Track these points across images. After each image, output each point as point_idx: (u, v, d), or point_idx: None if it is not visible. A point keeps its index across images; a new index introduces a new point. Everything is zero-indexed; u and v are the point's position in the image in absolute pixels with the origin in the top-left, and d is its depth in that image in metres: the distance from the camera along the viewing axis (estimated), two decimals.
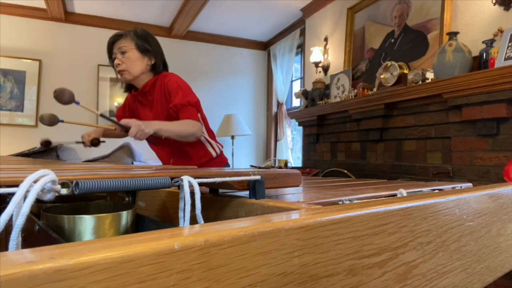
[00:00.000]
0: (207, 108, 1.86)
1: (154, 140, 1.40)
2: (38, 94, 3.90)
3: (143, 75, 1.50)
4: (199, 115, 1.50)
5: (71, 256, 0.22)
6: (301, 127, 3.77)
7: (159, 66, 1.54)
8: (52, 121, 1.30)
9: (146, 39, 1.51)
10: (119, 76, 1.50)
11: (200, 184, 0.47)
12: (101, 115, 1.38)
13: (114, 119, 1.37)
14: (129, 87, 1.60)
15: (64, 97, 1.23)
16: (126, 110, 1.68)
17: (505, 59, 1.80)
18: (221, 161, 1.67)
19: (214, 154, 1.60)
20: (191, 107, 1.45)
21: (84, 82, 4.11)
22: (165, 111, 1.48)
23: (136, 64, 1.47)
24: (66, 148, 3.98)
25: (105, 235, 0.48)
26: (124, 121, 1.28)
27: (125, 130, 1.29)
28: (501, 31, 1.96)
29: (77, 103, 1.30)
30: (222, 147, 1.69)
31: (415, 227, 0.47)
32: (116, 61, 1.48)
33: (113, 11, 4.01)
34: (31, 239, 0.51)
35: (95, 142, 1.57)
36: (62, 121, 1.35)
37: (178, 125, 1.39)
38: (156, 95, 1.51)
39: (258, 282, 0.30)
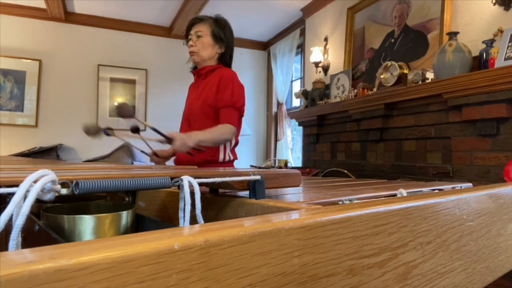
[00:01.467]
0: None
1: (192, 152, 1.42)
2: (38, 94, 3.90)
3: (209, 61, 1.60)
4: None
5: (71, 256, 0.22)
6: (301, 127, 3.77)
7: (226, 56, 1.62)
8: (97, 132, 1.29)
9: (223, 28, 1.59)
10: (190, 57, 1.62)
11: (200, 184, 0.47)
12: (153, 129, 1.36)
13: (161, 131, 1.36)
14: (196, 68, 1.69)
15: (125, 112, 1.26)
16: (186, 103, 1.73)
17: (505, 59, 1.80)
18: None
19: (221, 157, 1.59)
20: (233, 110, 1.50)
21: (84, 82, 4.12)
22: (211, 97, 1.52)
23: (207, 49, 1.56)
24: (66, 148, 3.98)
25: (105, 235, 0.48)
26: (168, 134, 1.33)
27: (169, 142, 1.34)
28: (501, 31, 1.96)
29: (135, 117, 1.34)
30: (235, 159, 1.67)
31: (415, 227, 0.47)
32: (190, 42, 1.58)
33: (113, 11, 4.01)
34: (31, 239, 0.51)
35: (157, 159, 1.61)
36: (107, 134, 1.33)
37: (215, 134, 1.45)
38: (210, 79, 1.57)
39: (258, 282, 0.30)
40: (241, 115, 1.56)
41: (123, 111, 1.33)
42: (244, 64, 4.89)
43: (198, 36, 1.56)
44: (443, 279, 0.51)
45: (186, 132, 1.53)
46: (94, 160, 3.35)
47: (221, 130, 1.46)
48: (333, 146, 3.22)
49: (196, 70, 1.64)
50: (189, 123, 1.60)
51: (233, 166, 1.67)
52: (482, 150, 1.93)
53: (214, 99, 1.51)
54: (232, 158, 1.63)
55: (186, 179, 0.45)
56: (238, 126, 1.54)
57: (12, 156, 2.61)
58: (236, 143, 1.66)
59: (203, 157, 1.52)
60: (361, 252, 0.39)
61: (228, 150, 1.61)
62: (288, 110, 4.47)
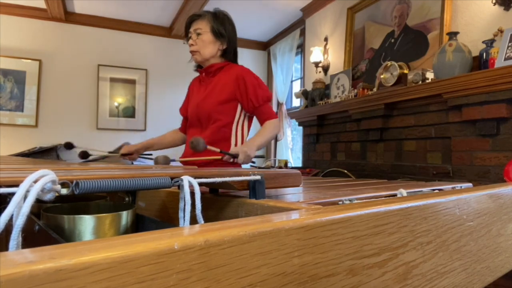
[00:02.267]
0: None
1: (260, 155, 1.48)
2: (38, 94, 3.90)
3: (212, 59, 1.55)
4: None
5: (71, 256, 0.22)
6: (301, 127, 3.77)
7: (229, 52, 1.57)
8: (166, 162, 1.30)
9: (223, 23, 1.54)
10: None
11: (200, 184, 0.47)
12: (222, 153, 1.36)
13: (222, 151, 1.37)
14: (200, 67, 1.64)
15: (199, 146, 1.26)
16: (187, 100, 1.70)
17: (505, 59, 1.80)
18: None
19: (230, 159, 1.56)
20: (269, 104, 1.52)
21: (84, 82, 4.12)
22: (224, 94, 1.50)
23: (208, 47, 1.51)
24: None
25: (105, 235, 0.48)
26: (233, 150, 1.36)
27: (233, 157, 1.36)
28: (501, 31, 1.96)
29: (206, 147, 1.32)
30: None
31: (415, 227, 0.47)
32: (190, 41, 1.52)
33: (113, 11, 4.01)
34: (31, 239, 0.51)
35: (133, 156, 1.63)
36: (174, 160, 1.37)
37: (268, 134, 1.47)
38: (219, 77, 1.54)
39: (258, 282, 0.30)
40: (271, 102, 1.57)
41: (197, 147, 1.28)
42: (244, 64, 4.85)
43: (198, 34, 1.51)
44: (443, 279, 0.51)
45: (200, 132, 1.54)
46: (94, 160, 3.35)
47: (271, 128, 1.48)
48: (333, 146, 3.22)
49: (204, 68, 1.59)
50: (200, 123, 1.55)
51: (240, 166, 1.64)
52: (482, 150, 1.93)
53: (231, 98, 1.49)
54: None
55: (186, 179, 0.45)
56: (277, 116, 1.56)
57: (12, 156, 2.61)
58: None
59: (211, 154, 1.49)
60: (361, 252, 0.39)
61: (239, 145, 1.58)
62: (288, 110, 4.47)
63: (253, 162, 1.42)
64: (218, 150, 1.35)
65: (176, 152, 1.65)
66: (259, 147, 1.42)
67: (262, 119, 1.51)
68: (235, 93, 1.49)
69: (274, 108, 4.84)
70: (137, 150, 1.64)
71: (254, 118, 1.58)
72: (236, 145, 1.54)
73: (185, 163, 1.48)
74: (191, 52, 1.54)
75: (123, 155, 1.61)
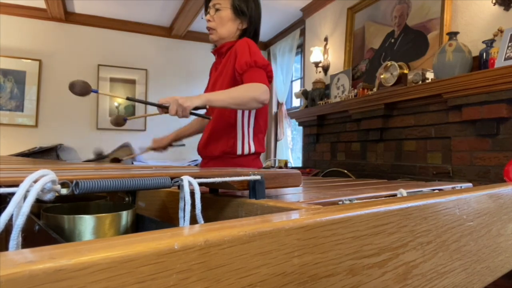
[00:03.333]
0: None
1: (208, 116, 1.23)
2: (38, 94, 3.90)
3: (228, 39, 1.37)
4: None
5: (71, 256, 0.22)
6: (301, 127, 3.77)
7: (249, 33, 1.38)
8: (84, 90, 1.18)
9: (246, 0, 1.35)
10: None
11: (200, 184, 0.47)
12: (128, 98, 1.25)
13: (145, 100, 1.25)
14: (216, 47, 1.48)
15: (75, 89, 1.15)
16: (207, 84, 1.53)
17: (505, 59, 1.80)
18: (246, 164, 1.35)
19: (239, 150, 1.32)
20: (258, 69, 1.23)
21: None
22: (228, 75, 1.32)
23: (226, 25, 1.34)
24: (66, 148, 3.98)
25: (105, 235, 0.48)
26: (162, 100, 1.13)
27: (166, 111, 1.14)
28: (501, 31, 1.96)
29: (95, 91, 1.18)
30: (262, 151, 1.39)
31: (415, 227, 0.47)
32: (207, 17, 1.35)
33: (113, 11, 4.01)
34: (31, 239, 0.51)
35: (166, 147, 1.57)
36: (96, 91, 1.20)
37: (233, 91, 1.16)
38: (228, 59, 1.35)
39: (258, 282, 0.30)
40: (269, 75, 1.28)
41: (73, 89, 1.16)
42: None
43: (217, 10, 1.33)
44: (443, 279, 0.51)
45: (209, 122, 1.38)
46: (94, 160, 3.35)
47: (244, 86, 1.18)
48: (333, 146, 3.22)
49: (215, 49, 1.42)
50: (212, 111, 1.37)
51: (258, 160, 1.41)
52: (482, 150, 1.93)
53: (233, 75, 1.29)
54: (254, 150, 1.35)
55: (186, 179, 0.45)
56: (267, 85, 1.23)
57: (12, 156, 2.61)
58: (261, 130, 1.38)
59: (221, 149, 1.32)
60: (361, 252, 0.39)
61: (249, 140, 1.34)
62: (288, 110, 4.47)
63: (207, 117, 1.22)
64: (125, 96, 1.25)
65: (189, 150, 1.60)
66: (209, 102, 1.12)
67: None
68: (234, 72, 1.30)
69: (274, 108, 4.84)
70: (166, 145, 1.57)
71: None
72: (243, 137, 1.34)
73: None
74: (208, 28, 1.36)
75: (153, 149, 1.55)
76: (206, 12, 1.39)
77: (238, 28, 1.36)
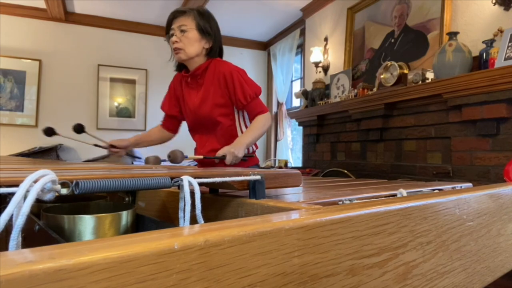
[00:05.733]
0: None
1: (249, 154, 1.44)
2: (38, 94, 3.90)
3: (197, 58, 1.48)
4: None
5: (71, 256, 0.22)
6: (301, 127, 3.77)
7: (215, 51, 1.51)
8: (157, 162, 1.28)
9: (208, 20, 1.47)
10: (173, 55, 1.50)
11: (200, 184, 0.47)
12: (186, 157, 1.33)
13: (206, 157, 1.35)
14: (180, 67, 1.58)
15: (177, 160, 1.23)
16: (171, 97, 1.66)
17: (505, 59, 1.80)
18: (250, 160, 1.55)
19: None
20: (258, 99, 1.48)
21: (84, 82, 4.12)
22: (218, 97, 1.47)
23: (193, 45, 1.44)
24: (66, 148, 3.98)
25: (105, 235, 0.48)
26: (220, 152, 1.32)
27: (221, 160, 1.33)
28: (501, 31, 1.96)
29: (186, 156, 1.29)
30: (257, 147, 1.61)
31: (415, 227, 0.47)
32: (173, 38, 1.44)
33: (113, 11, 4.01)
34: (31, 239, 0.51)
35: (114, 150, 1.60)
36: (164, 160, 1.35)
37: (258, 130, 1.44)
38: (207, 79, 1.49)
39: (258, 282, 0.30)
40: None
41: (175, 160, 1.25)
42: (244, 64, 4.89)
43: (182, 31, 1.43)
44: (443, 279, 0.51)
45: (208, 137, 1.52)
46: (94, 160, 3.35)
47: (261, 123, 1.44)
48: (333, 146, 3.22)
49: (190, 73, 1.52)
50: (205, 128, 1.53)
51: (256, 158, 1.61)
52: (482, 150, 1.93)
53: (225, 99, 1.46)
54: (254, 149, 1.58)
55: (186, 179, 0.45)
56: (268, 109, 1.52)
57: (12, 156, 2.61)
58: None
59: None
60: (361, 252, 0.39)
61: None
62: (288, 110, 4.47)
63: (245, 160, 1.40)
64: (202, 157, 1.34)
65: (166, 149, 1.66)
66: (249, 145, 1.39)
67: (252, 115, 1.48)
68: (226, 93, 1.46)
69: (274, 108, 4.84)
70: (126, 146, 1.61)
71: None
72: None
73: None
74: (175, 49, 1.45)
75: (112, 146, 1.58)
76: (170, 35, 1.47)
77: (204, 47, 1.48)
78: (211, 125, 1.50)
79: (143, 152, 1.72)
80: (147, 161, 1.27)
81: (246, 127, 1.54)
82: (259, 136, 1.45)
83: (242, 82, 1.45)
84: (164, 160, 1.33)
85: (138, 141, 1.68)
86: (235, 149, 1.32)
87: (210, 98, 1.48)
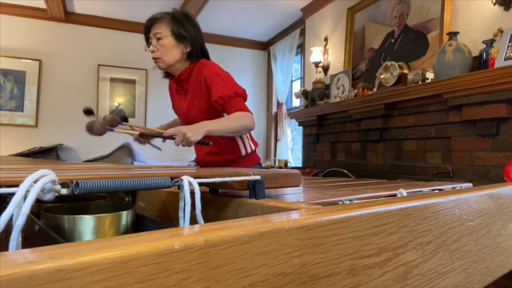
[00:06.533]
0: None
1: (206, 141, 1.32)
2: (38, 94, 3.90)
3: (178, 64, 1.42)
4: None
5: (71, 256, 0.22)
6: (301, 127, 3.77)
7: (196, 53, 1.44)
8: (103, 131, 1.25)
9: (182, 24, 1.40)
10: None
11: (200, 184, 0.47)
12: (142, 135, 1.30)
13: (158, 130, 1.29)
14: (167, 73, 1.54)
15: (94, 130, 1.20)
16: (172, 96, 1.62)
17: (505, 59, 1.80)
18: (250, 159, 1.53)
19: (243, 152, 1.48)
20: (238, 98, 1.35)
21: (84, 82, 4.12)
22: (203, 102, 1.40)
23: (170, 52, 1.39)
24: (66, 148, 3.98)
25: (105, 235, 0.48)
26: (169, 131, 1.22)
27: (170, 139, 1.24)
28: (501, 31, 1.96)
29: (112, 130, 1.23)
30: (257, 145, 1.56)
31: (415, 227, 0.47)
32: (150, 48, 1.40)
33: (113, 11, 4.01)
34: (31, 239, 0.51)
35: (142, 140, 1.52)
36: (112, 130, 1.28)
37: (229, 121, 1.30)
38: (191, 84, 1.43)
39: (258, 282, 0.30)
40: (244, 99, 1.40)
41: (93, 130, 1.21)
42: (244, 64, 4.89)
43: (158, 39, 1.38)
44: (443, 279, 0.51)
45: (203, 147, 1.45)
46: (94, 160, 3.35)
47: (236, 116, 1.31)
48: (333, 146, 3.22)
49: (175, 79, 1.48)
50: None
51: (257, 156, 1.56)
52: (482, 150, 1.93)
53: (209, 103, 1.39)
54: (254, 148, 1.53)
55: (186, 179, 0.45)
56: (250, 112, 1.38)
57: (12, 156, 2.61)
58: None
59: (224, 157, 1.44)
60: (361, 252, 0.39)
61: (248, 141, 1.50)
62: (288, 110, 4.47)
63: (207, 143, 1.28)
64: (137, 132, 1.30)
65: (189, 150, 1.64)
66: (210, 132, 1.22)
67: (231, 113, 1.38)
68: (209, 97, 1.39)
69: (274, 108, 4.84)
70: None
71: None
72: (242, 140, 1.47)
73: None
74: (154, 59, 1.41)
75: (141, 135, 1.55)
76: (148, 44, 1.42)
77: (183, 52, 1.41)
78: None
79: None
80: (104, 118, 1.23)
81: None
82: (231, 130, 1.29)
83: (220, 81, 1.36)
84: (120, 123, 1.29)
85: (163, 128, 1.62)
86: (188, 131, 1.17)
87: (195, 104, 1.43)
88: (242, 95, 1.38)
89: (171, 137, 1.20)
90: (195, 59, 1.44)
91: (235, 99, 1.34)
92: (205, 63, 1.43)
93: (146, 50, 1.45)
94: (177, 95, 1.53)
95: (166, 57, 1.39)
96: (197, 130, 1.20)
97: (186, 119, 1.48)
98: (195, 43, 1.43)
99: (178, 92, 1.53)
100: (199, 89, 1.40)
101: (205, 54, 1.49)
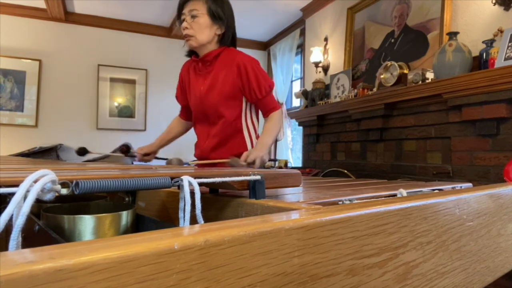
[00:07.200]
0: None
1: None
2: (38, 94, 3.90)
3: (209, 45, 1.41)
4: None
5: (71, 256, 0.22)
6: (301, 127, 3.77)
7: (228, 37, 1.43)
8: (180, 164, 1.30)
9: (221, 5, 1.38)
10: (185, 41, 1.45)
11: (200, 184, 0.47)
12: (232, 164, 1.31)
13: (240, 163, 1.29)
14: (191, 52, 1.52)
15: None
16: (181, 87, 1.61)
17: (505, 59, 1.80)
18: None
19: (249, 146, 1.49)
20: (272, 94, 1.44)
21: (84, 82, 4.12)
22: (227, 87, 1.40)
23: (204, 31, 1.36)
24: (66, 148, 3.98)
25: (105, 235, 0.48)
26: (249, 160, 1.28)
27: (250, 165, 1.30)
28: (501, 31, 1.96)
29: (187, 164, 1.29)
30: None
31: (415, 227, 0.47)
32: (184, 24, 1.37)
33: (113, 11, 4.01)
34: (31, 239, 0.51)
35: (146, 158, 1.60)
36: (187, 164, 1.35)
37: (274, 129, 1.42)
38: (217, 67, 1.42)
39: (258, 282, 0.30)
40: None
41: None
42: None
43: (193, 16, 1.35)
44: (443, 279, 0.51)
45: (209, 129, 1.48)
46: (94, 160, 3.35)
47: (276, 121, 1.43)
48: (333, 146, 3.22)
49: (200, 58, 1.45)
50: (207, 118, 1.47)
51: None
52: (482, 150, 1.93)
53: (234, 89, 1.40)
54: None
55: (186, 179, 0.45)
56: (280, 105, 1.50)
57: (12, 156, 2.61)
58: (257, 126, 1.57)
59: (231, 152, 1.44)
60: (361, 252, 0.39)
61: (254, 137, 1.52)
62: (288, 110, 4.46)
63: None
64: (216, 161, 1.35)
65: (188, 150, 1.66)
66: (270, 146, 1.39)
67: (266, 110, 1.44)
68: (238, 84, 1.39)
69: None
70: (155, 151, 1.61)
71: None
72: (250, 136, 1.48)
73: (200, 165, 1.44)
74: (185, 36, 1.39)
75: (145, 154, 1.58)
76: (181, 20, 1.39)
77: (215, 33, 1.40)
78: (215, 117, 1.44)
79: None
80: (169, 163, 1.28)
81: (253, 122, 1.50)
82: (276, 136, 1.44)
83: (258, 74, 1.38)
84: (188, 164, 1.34)
85: (162, 142, 1.66)
86: (263, 154, 1.30)
87: (218, 87, 1.41)
88: (273, 89, 1.46)
89: (251, 164, 1.28)
90: (226, 43, 1.43)
91: (270, 95, 1.43)
92: (235, 50, 1.45)
93: (177, 26, 1.47)
94: (196, 76, 1.51)
95: (199, 35, 1.37)
96: (265, 151, 1.33)
97: (201, 100, 1.46)
98: (229, 26, 1.42)
99: (198, 73, 1.50)
100: (226, 73, 1.40)
101: (234, 41, 1.48)
